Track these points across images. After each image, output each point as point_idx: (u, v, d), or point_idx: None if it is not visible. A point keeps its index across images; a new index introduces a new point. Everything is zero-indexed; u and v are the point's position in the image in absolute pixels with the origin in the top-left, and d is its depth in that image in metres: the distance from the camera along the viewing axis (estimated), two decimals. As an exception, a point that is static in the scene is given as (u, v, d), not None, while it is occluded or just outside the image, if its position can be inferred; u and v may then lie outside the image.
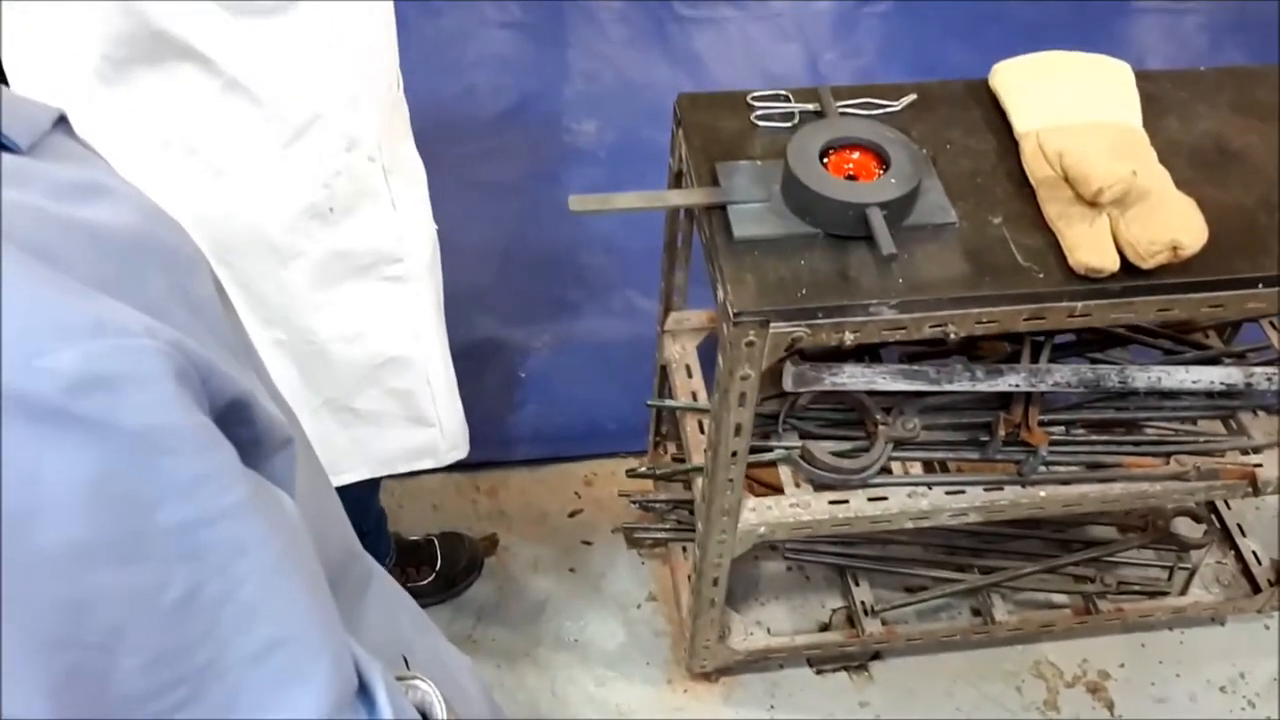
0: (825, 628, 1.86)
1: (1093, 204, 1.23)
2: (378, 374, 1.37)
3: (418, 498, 1.99)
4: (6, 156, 0.49)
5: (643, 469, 1.85)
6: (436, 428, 1.46)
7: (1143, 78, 1.45)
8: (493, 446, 2.06)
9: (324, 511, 0.68)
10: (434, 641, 0.79)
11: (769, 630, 1.83)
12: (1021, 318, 1.23)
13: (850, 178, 1.27)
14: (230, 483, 0.46)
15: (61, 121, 0.56)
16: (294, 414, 0.67)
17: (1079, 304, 1.22)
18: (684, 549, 1.86)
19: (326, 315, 1.30)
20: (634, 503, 1.80)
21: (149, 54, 1.07)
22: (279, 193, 1.19)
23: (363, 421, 1.41)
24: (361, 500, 1.58)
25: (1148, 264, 1.20)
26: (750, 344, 1.21)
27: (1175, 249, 1.20)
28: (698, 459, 1.56)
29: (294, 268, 1.24)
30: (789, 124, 1.38)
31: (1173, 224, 1.21)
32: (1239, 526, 1.90)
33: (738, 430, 1.31)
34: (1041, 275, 1.22)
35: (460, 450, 1.53)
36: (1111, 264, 1.20)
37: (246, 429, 0.50)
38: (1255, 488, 1.52)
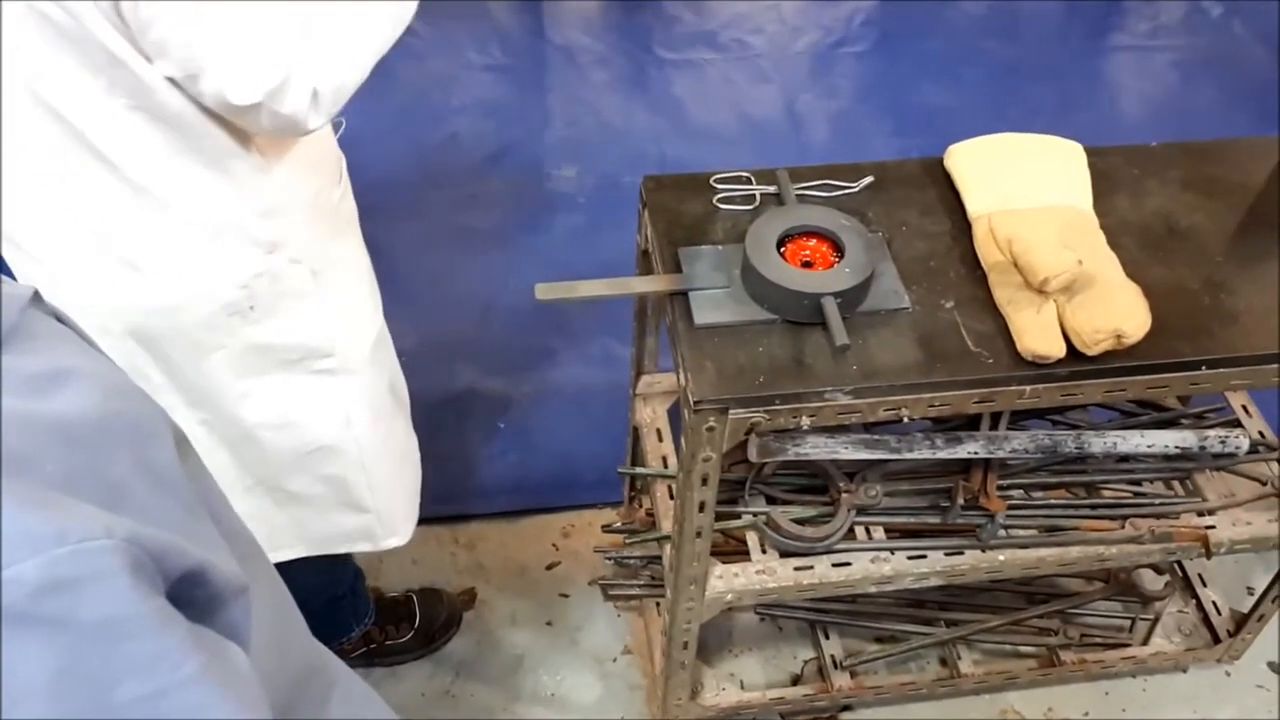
0: (797, 679, 1.90)
1: (1040, 291, 1.27)
2: (307, 461, 1.38)
3: (397, 551, 2.02)
4: None
5: (617, 524, 1.89)
6: (373, 514, 1.47)
7: (1094, 154, 1.50)
8: (472, 499, 2.10)
9: (284, 635, 0.73)
10: None
11: (741, 684, 1.87)
12: (972, 401, 1.27)
13: (807, 264, 1.31)
14: (185, 656, 0.51)
15: (34, 299, 0.60)
16: (255, 541, 0.71)
17: (1027, 388, 1.27)
18: (657, 604, 1.90)
19: (252, 404, 1.30)
20: (609, 559, 1.83)
21: (65, 150, 1.07)
22: (196, 291, 1.19)
23: (297, 503, 1.42)
24: (333, 569, 1.61)
25: (1092, 351, 1.24)
26: (711, 429, 1.25)
27: (1119, 337, 1.24)
28: (667, 525, 1.60)
29: (214, 360, 1.25)
30: (750, 206, 1.42)
31: (1117, 313, 1.25)
32: (1200, 577, 1.94)
33: (701, 507, 1.35)
34: (991, 360, 1.26)
35: (400, 537, 1.54)
36: (1057, 350, 1.24)
37: (202, 590, 0.56)
38: (1208, 550, 1.56)
